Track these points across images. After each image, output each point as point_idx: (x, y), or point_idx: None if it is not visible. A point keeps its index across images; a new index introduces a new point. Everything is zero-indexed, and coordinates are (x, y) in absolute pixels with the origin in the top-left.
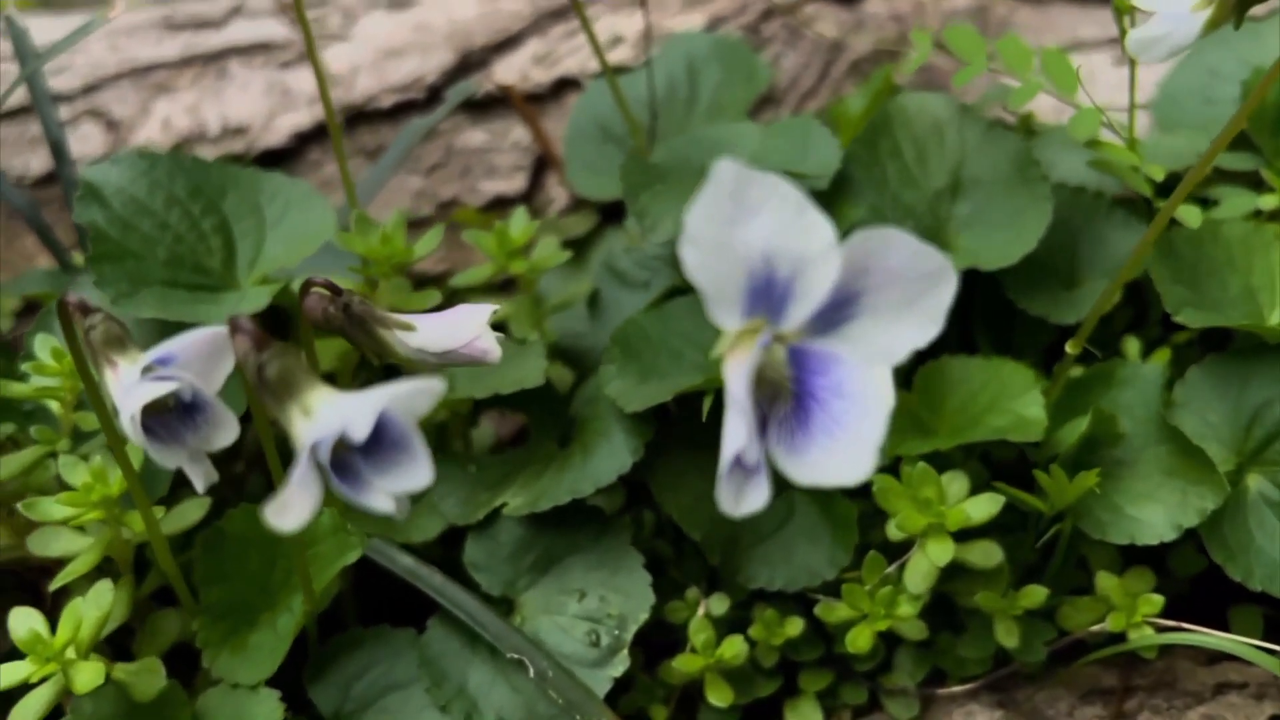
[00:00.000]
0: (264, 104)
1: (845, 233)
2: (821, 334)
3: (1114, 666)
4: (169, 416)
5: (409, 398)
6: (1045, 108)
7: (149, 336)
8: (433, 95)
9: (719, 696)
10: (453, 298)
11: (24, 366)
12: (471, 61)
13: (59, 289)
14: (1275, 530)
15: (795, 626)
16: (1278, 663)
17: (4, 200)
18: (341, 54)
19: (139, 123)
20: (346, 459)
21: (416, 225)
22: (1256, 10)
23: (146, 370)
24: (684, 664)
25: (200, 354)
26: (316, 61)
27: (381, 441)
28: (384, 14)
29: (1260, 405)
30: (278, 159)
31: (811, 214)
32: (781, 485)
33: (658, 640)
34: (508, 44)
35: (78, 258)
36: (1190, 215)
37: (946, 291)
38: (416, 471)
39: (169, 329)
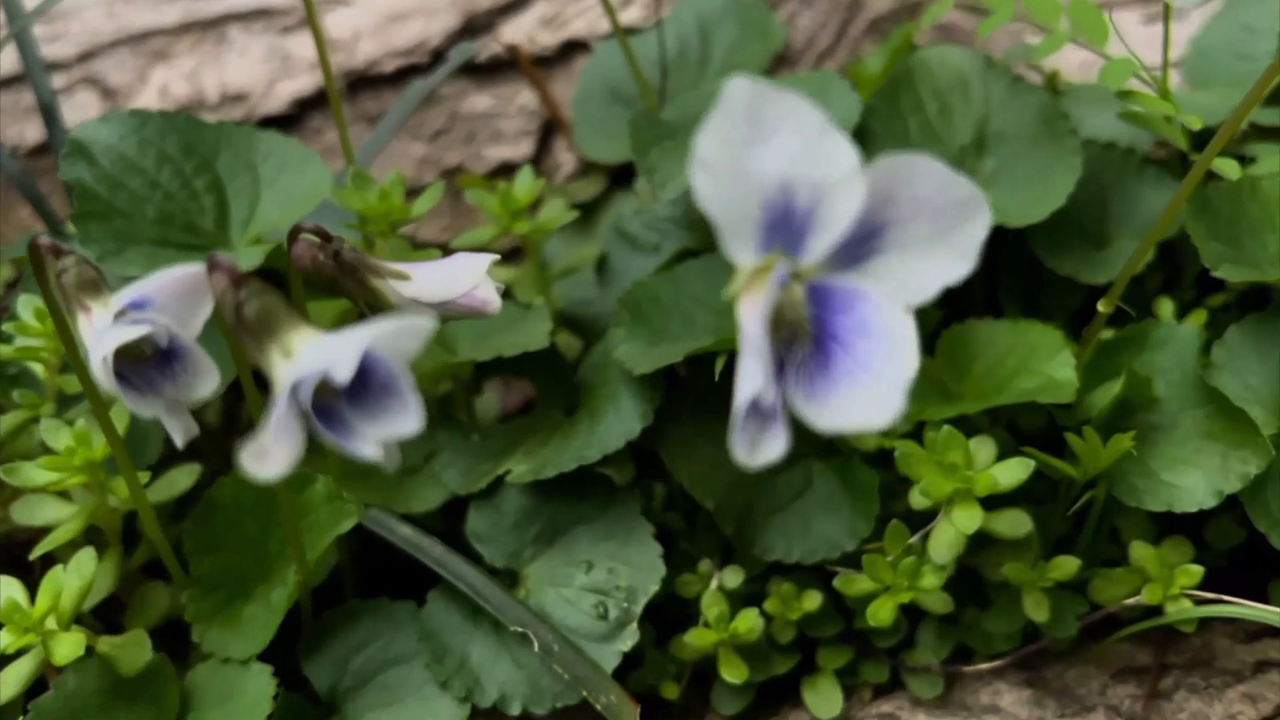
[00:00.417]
0: (264, 70)
1: None
2: (844, 269)
3: (1148, 643)
4: (145, 364)
5: (396, 336)
6: (1070, 66)
7: None
8: (437, 59)
9: (733, 673)
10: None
11: (6, 327)
12: (477, 25)
13: None
14: None
15: (813, 600)
16: None
17: (0, 170)
18: (344, 19)
19: (136, 90)
20: (331, 404)
21: (418, 193)
22: None
23: (120, 315)
24: (696, 639)
25: (177, 296)
26: (316, 25)
27: (368, 384)
28: None
29: None
30: (278, 125)
31: (834, 136)
32: (798, 454)
33: (669, 615)
34: (514, 6)
35: (72, 227)
36: (1229, 167)
37: (979, 224)
38: (405, 416)
39: None
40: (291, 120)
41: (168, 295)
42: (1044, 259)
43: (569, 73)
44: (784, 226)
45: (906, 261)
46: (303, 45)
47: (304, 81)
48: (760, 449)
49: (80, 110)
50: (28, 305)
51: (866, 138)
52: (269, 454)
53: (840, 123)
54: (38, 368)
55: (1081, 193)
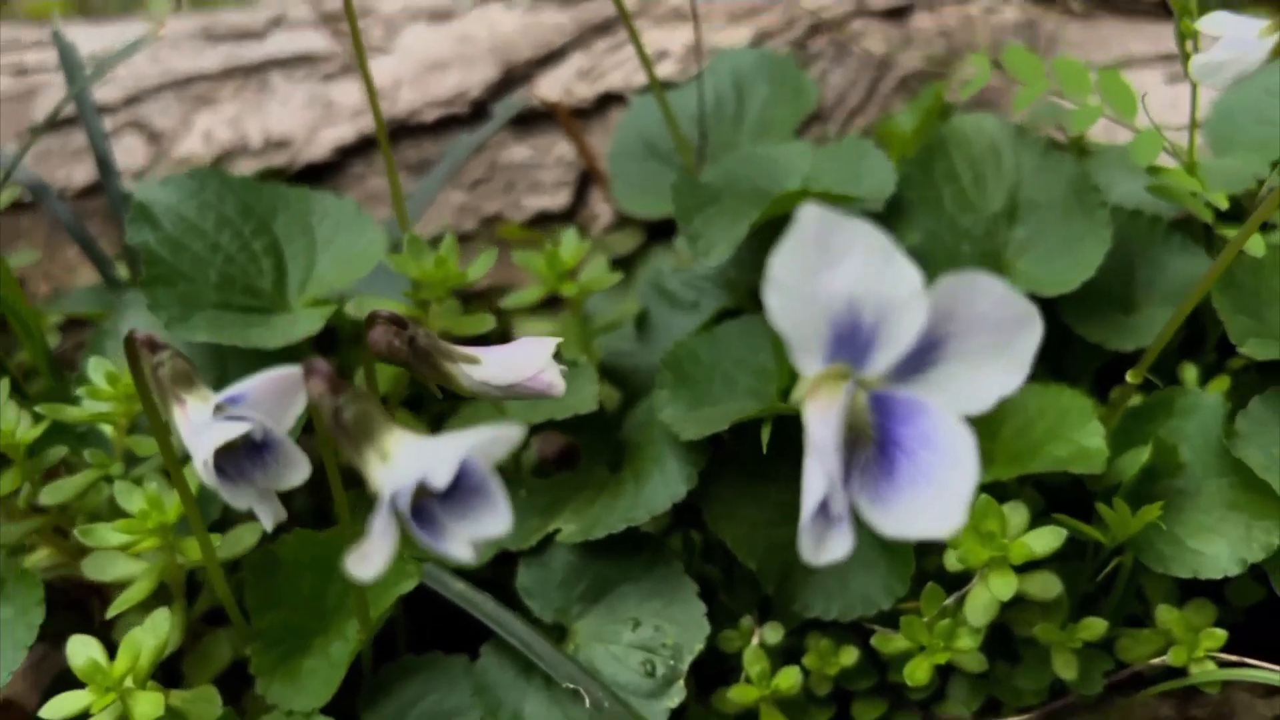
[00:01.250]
0: (306, 117)
1: None
2: (906, 380)
3: (1171, 698)
4: (238, 455)
5: (489, 445)
6: (1097, 126)
7: (200, 357)
8: (476, 109)
9: None
10: (500, 317)
11: (78, 391)
12: (515, 75)
13: (105, 307)
14: None
15: (850, 656)
16: None
17: (48, 212)
18: (384, 67)
19: (180, 135)
20: (423, 504)
21: (460, 240)
22: None
23: (217, 410)
24: (740, 695)
25: (271, 394)
26: (368, 74)
27: (460, 488)
28: (426, 26)
29: None
30: (320, 172)
31: (898, 260)
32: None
33: (710, 667)
34: (551, 58)
35: (123, 270)
36: (1257, 245)
37: (1033, 337)
38: (495, 518)
39: (221, 349)
40: (334, 167)
41: (263, 392)
42: (1073, 325)
43: (605, 124)
44: (850, 342)
45: (965, 373)
46: (344, 93)
47: (346, 129)
48: (826, 549)
49: (127, 154)
50: (98, 368)
51: (902, 205)
52: (370, 557)
53: (876, 191)
54: (107, 428)
55: (1109, 260)
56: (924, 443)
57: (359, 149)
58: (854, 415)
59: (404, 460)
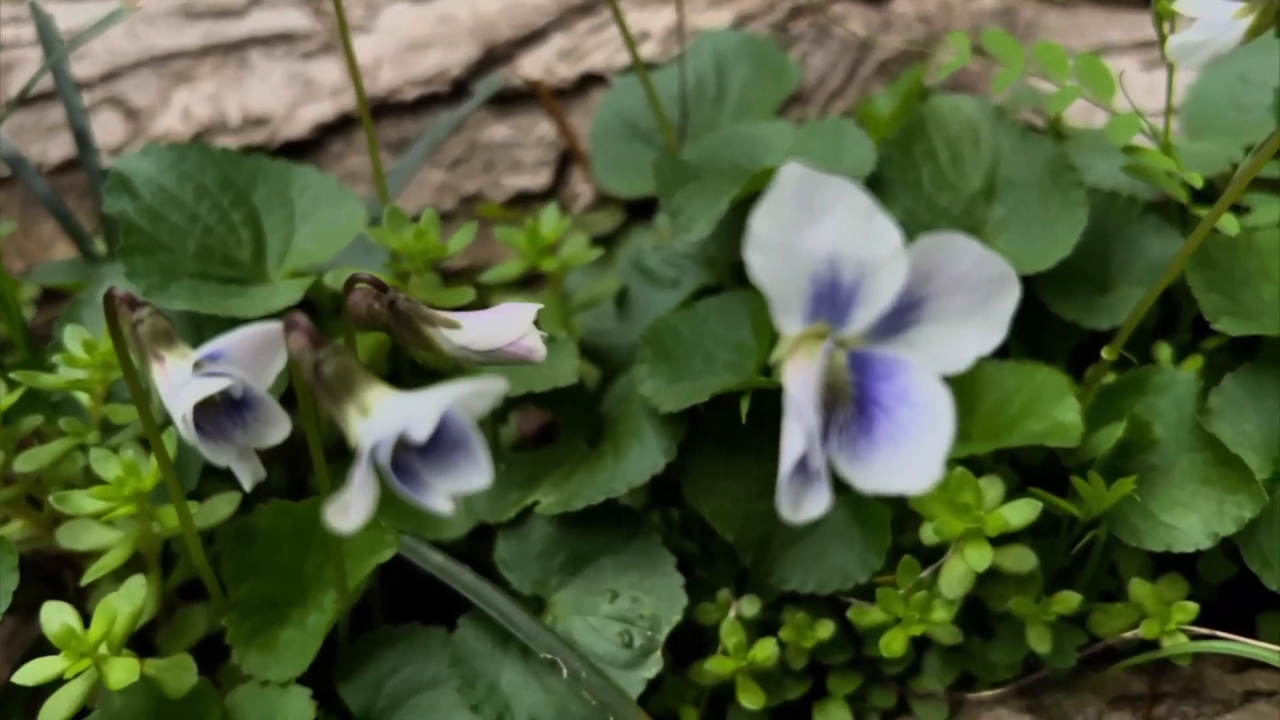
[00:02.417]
0: (286, 95)
1: None
2: (884, 339)
3: (1143, 672)
4: (217, 413)
5: (470, 398)
6: (1074, 111)
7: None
8: (457, 89)
9: (750, 699)
10: (480, 293)
11: (55, 358)
12: (496, 55)
13: (83, 279)
14: None
15: (826, 629)
16: None
17: (25, 187)
18: (365, 46)
19: (159, 112)
20: (404, 459)
21: (439, 219)
22: None
23: (196, 367)
24: (716, 666)
25: (251, 350)
26: (350, 52)
27: (440, 442)
28: (407, 5)
29: None
30: (300, 150)
31: (879, 219)
32: None
33: (686, 640)
34: (532, 38)
35: (100, 245)
36: (1230, 224)
37: (1010, 299)
38: (476, 471)
39: (199, 319)
40: (313, 145)
41: (243, 349)
42: (1049, 303)
43: (586, 105)
44: (830, 300)
45: (943, 333)
46: (323, 71)
47: (325, 107)
48: (804, 506)
49: (104, 130)
50: (74, 336)
51: (881, 184)
52: (351, 509)
53: (856, 170)
54: (83, 396)
55: (1085, 240)
56: (902, 400)
57: (338, 127)
58: (833, 374)
59: (384, 413)
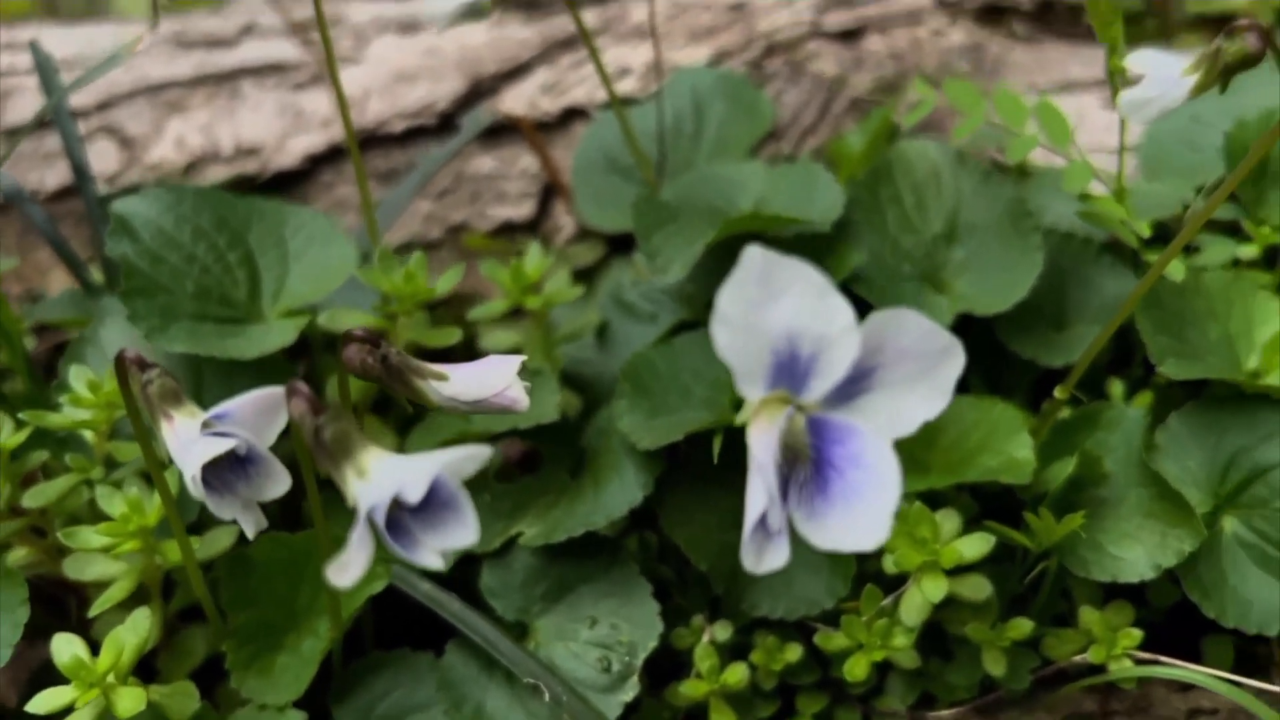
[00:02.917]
0: (277, 125)
1: (849, 277)
2: (839, 406)
3: (1094, 692)
4: (223, 469)
5: (459, 463)
6: (1038, 149)
7: (177, 364)
8: (444, 122)
9: None
10: (466, 326)
11: (62, 399)
12: (482, 89)
13: (82, 313)
14: (1248, 570)
15: (794, 653)
16: (1244, 695)
17: (21, 215)
18: (354, 77)
19: (153, 141)
20: (397, 517)
21: (426, 248)
22: None
23: (205, 426)
24: (690, 689)
25: (255, 412)
26: (339, 86)
27: (431, 502)
28: (395, 37)
29: (1236, 451)
30: (290, 180)
31: (833, 297)
32: None
33: (663, 663)
34: (517, 72)
35: (96, 274)
36: (1176, 270)
37: (954, 367)
38: (464, 529)
39: (198, 359)
40: (303, 175)
41: (247, 410)
42: (1007, 342)
43: (569, 138)
44: (790, 371)
45: (893, 399)
46: (314, 101)
47: (316, 138)
48: (765, 559)
49: (99, 158)
50: (80, 377)
51: (849, 227)
52: (349, 567)
53: (826, 213)
54: (88, 433)
55: (1042, 280)
56: (855, 463)
57: (328, 157)
58: (794, 436)
59: (380, 477)
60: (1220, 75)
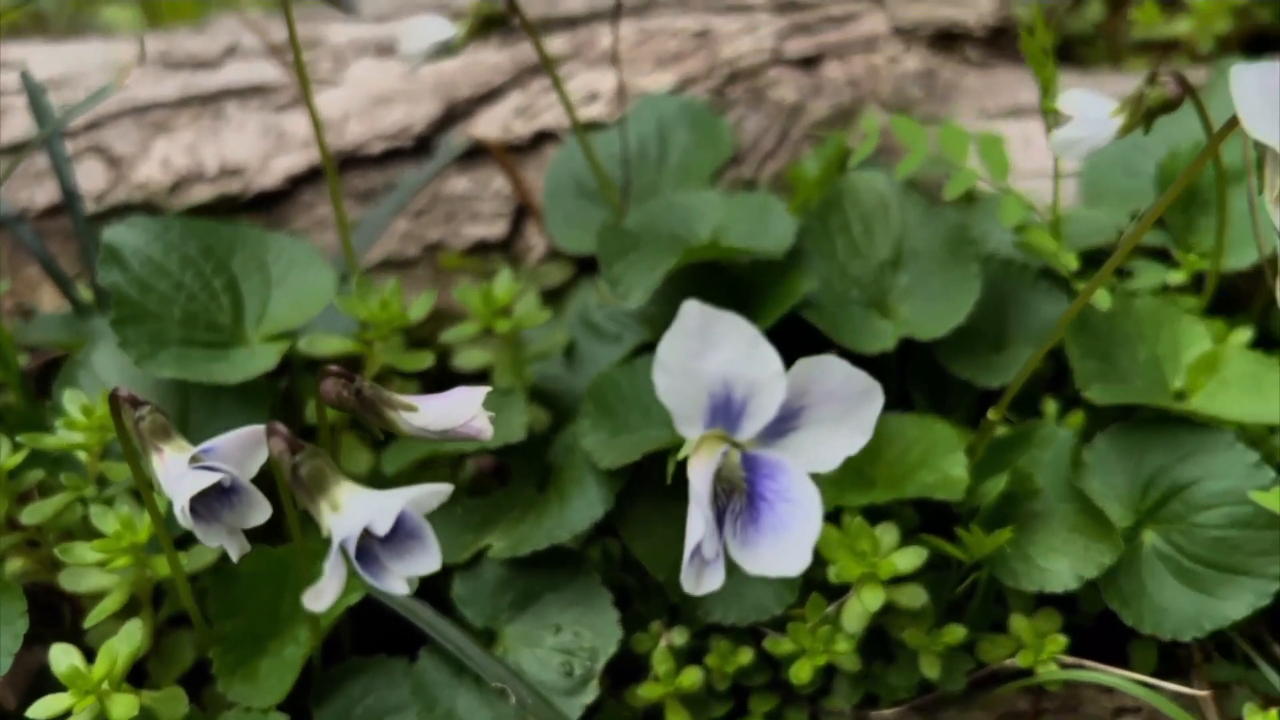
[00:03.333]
0: (259, 146)
1: (800, 303)
2: (771, 443)
3: (1027, 692)
4: (210, 499)
5: (423, 499)
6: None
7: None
8: (420, 144)
9: None
10: (441, 344)
11: (57, 423)
12: (456, 112)
13: (73, 334)
14: (1165, 581)
15: (746, 656)
16: (1159, 697)
17: (11, 233)
18: (333, 99)
19: (139, 160)
20: (367, 545)
21: (403, 265)
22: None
23: (193, 460)
24: (648, 691)
25: (238, 448)
26: (314, 112)
27: (398, 532)
28: (373, 60)
29: (1156, 470)
30: (272, 200)
31: (763, 347)
32: None
33: (623, 666)
34: (490, 96)
35: (84, 291)
36: (1102, 299)
37: (874, 407)
38: (427, 557)
39: (186, 384)
40: (285, 195)
41: (231, 446)
42: (947, 364)
43: (540, 160)
44: (725, 412)
45: (819, 437)
46: (295, 123)
47: (297, 158)
48: (703, 583)
49: (87, 177)
50: (73, 401)
51: (801, 254)
52: (325, 593)
53: (778, 242)
54: (81, 454)
55: (983, 303)
56: (783, 496)
57: (309, 178)
58: (730, 470)
59: (352, 511)
60: (1144, 118)
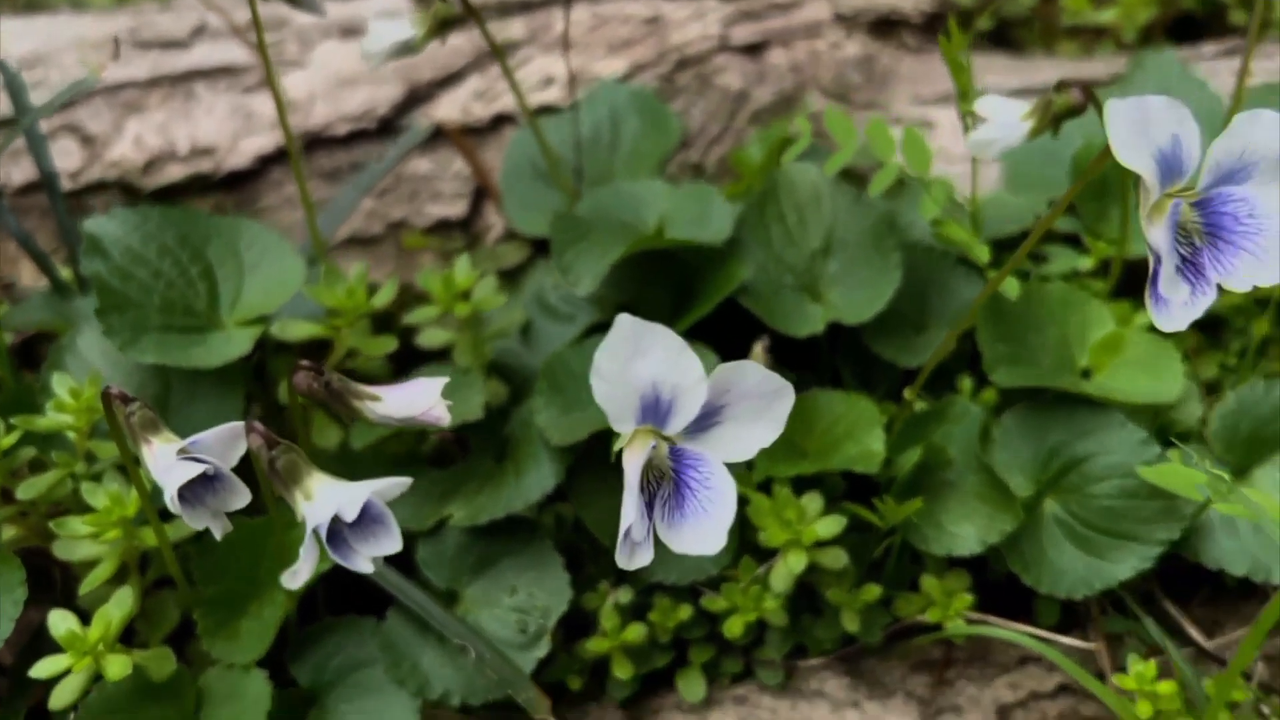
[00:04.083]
0: (229, 126)
1: (737, 290)
2: (695, 437)
3: (940, 643)
4: (196, 486)
5: (387, 490)
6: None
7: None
8: (384, 126)
9: (623, 671)
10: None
11: (47, 405)
12: (419, 95)
13: (56, 315)
14: (1063, 545)
15: (686, 612)
16: (1054, 651)
17: None
18: (299, 81)
19: (113, 139)
20: (336, 529)
21: (368, 243)
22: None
23: (181, 452)
24: (596, 645)
25: (220, 441)
26: (278, 96)
27: (364, 519)
28: (337, 42)
29: (1057, 444)
30: (243, 179)
31: (688, 354)
32: None
33: (574, 622)
34: (451, 79)
35: (63, 269)
36: (1011, 287)
37: (786, 404)
38: (390, 540)
39: (167, 369)
40: (255, 174)
41: (214, 439)
42: (871, 345)
43: (500, 142)
44: (654, 412)
45: (737, 431)
46: (264, 104)
47: (266, 139)
48: (635, 560)
49: (62, 156)
50: (62, 384)
51: (739, 243)
52: (300, 573)
53: (718, 231)
54: (70, 434)
55: (906, 287)
56: (704, 485)
57: (277, 158)
58: (660, 460)
59: (323, 500)
60: (1051, 122)
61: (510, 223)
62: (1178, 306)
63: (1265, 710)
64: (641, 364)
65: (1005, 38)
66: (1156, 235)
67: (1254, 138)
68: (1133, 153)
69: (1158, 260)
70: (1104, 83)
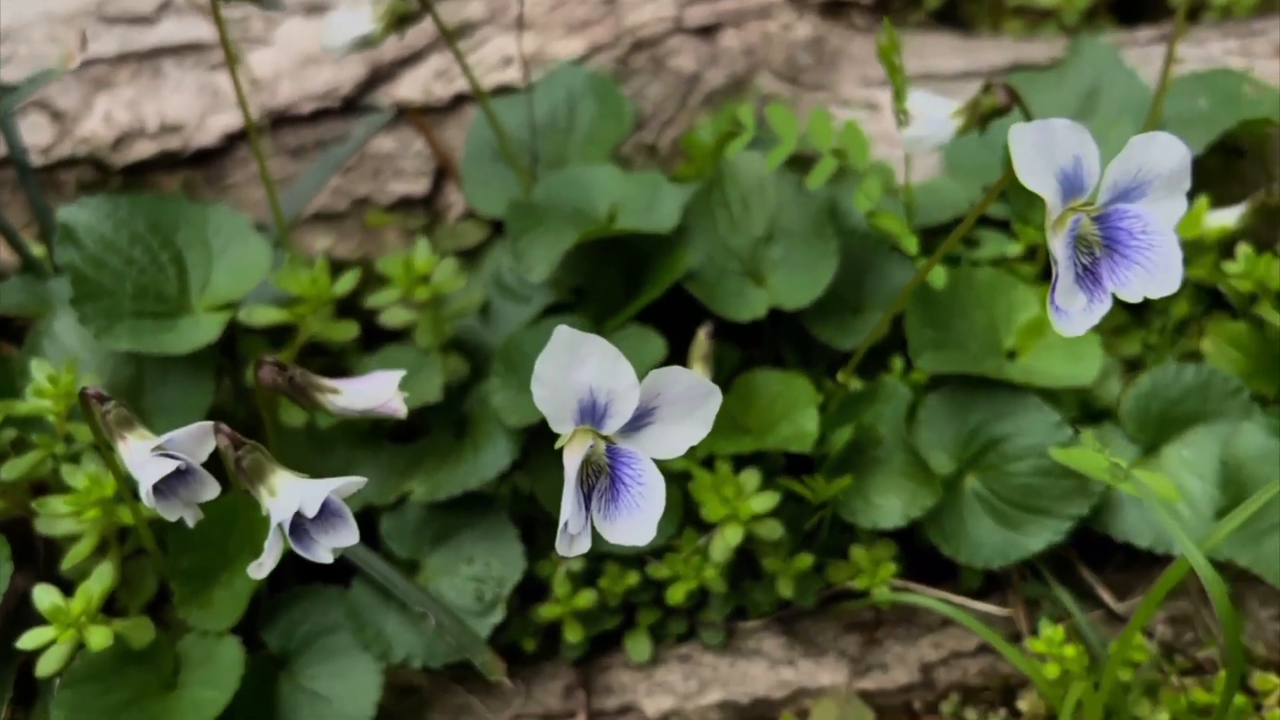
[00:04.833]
0: (197, 104)
1: (684, 276)
2: (630, 435)
3: (871, 606)
4: (170, 480)
5: (344, 488)
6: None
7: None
8: (347, 105)
9: (574, 634)
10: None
11: (27, 389)
12: (381, 74)
13: (32, 298)
14: (981, 519)
15: (633, 578)
16: (970, 618)
17: None
18: (265, 58)
19: (83, 115)
20: (299, 522)
21: (333, 218)
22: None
23: (156, 449)
24: (549, 610)
25: (192, 440)
26: (235, 77)
27: (324, 513)
28: (301, 20)
29: (978, 425)
30: (211, 156)
31: (622, 362)
32: None
33: (529, 588)
34: (412, 59)
35: (34, 246)
36: (937, 276)
37: (714, 406)
38: (347, 533)
39: (140, 355)
40: (223, 152)
41: (186, 437)
42: (809, 327)
43: (461, 120)
44: (591, 414)
45: (668, 431)
46: (230, 82)
47: (233, 116)
48: (574, 549)
49: (33, 131)
50: (41, 370)
51: (686, 229)
52: (265, 564)
53: (666, 218)
54: (50, 417)
55: (844, 272)
56: (637, 480)
57: (245, 135)
58: (597, 457)
59: (286, 496)
60: (979, 121)
61: (470, 203)
62: (1077, 314)
63: (1165, 669)
64: (579, 371)
65: (955, 15)
66: (1057, 246)
67: (1149, 158)
68: (1035, 176)
69: (1058, 271)
70: (1043, 66)
